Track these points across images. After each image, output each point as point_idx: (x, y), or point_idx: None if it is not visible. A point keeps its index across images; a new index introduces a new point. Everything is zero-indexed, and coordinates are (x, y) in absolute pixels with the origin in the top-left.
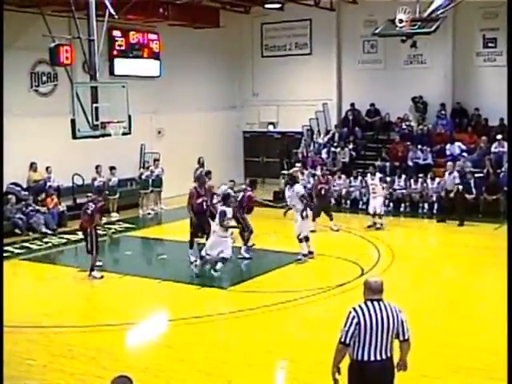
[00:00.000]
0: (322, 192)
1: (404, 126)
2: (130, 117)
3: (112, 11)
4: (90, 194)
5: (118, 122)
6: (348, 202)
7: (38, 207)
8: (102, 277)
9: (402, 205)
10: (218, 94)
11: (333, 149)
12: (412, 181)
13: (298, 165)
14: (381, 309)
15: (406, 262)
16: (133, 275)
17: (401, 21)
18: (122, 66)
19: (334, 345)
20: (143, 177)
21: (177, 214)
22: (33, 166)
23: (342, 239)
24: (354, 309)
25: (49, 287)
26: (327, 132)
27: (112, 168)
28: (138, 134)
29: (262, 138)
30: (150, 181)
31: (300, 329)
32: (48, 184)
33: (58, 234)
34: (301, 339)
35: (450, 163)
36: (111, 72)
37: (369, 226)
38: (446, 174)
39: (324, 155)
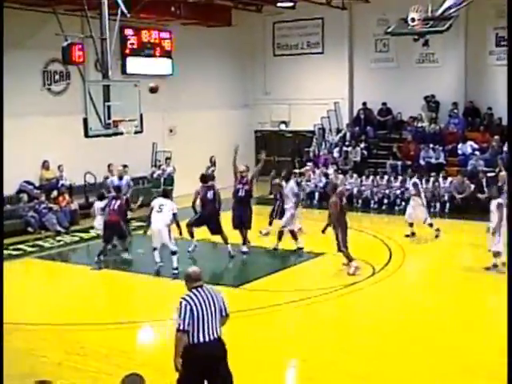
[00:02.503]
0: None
1: (419, 125)
2: (141, 115)
3: (124, 10)
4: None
5: (129, 121)
6: (359, 201)
7: (50, 205)
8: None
9: None
10: (230, 92)
11: (344, 148)
12: (424, 180)
13: (309, 164)
14: (205, 293)
15: (417, 261)
16: (145, 273)
17: (413, 19)
18: (134, 64)
19: (346, 344)
20: (155, 175)
21: (189, 212)
22: (45, 165)
23: (354, 238)
24: (184, 298)
25: (61, 285)
26: (339, 131)
27: (124, 166)
28: (149, 133)
29: (274, 136)
30: (162, 179)
31: (312, 328)
32: (60, 182)
33: (71, 232)
34: (312, 338)
35: None
36: (123, 71)
37: (406, 235)
38: None
39: (336, 154)
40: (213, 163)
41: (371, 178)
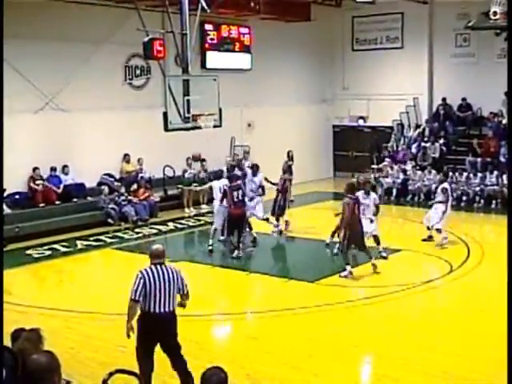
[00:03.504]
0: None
1: (504, 122)
2: (220, 109)
3: (205, 5)
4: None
5: (209, 115)
6: None
7: (129, 197)
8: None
9: (494, 201)
10: (308, 87)
11: (423, 144)
12: (504, 177)
13: (387, 159)
14: (163, 270)
15: (496, 261)
16: (222, 266)
17: (495, 13)
18: (214, 59)
19: (422, 341)
20: None
21: (266, 206)
22: (126, 158)
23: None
24: (141, 271)
25: None
26: (417, 127)
27: (202, 160)
28: (228, 127)
29: (352, 132)
30: (240, 173)
31: (387, 324)
32: (140, 175)
33: (149, 225)
34: (387, 335)
35: None
36: (203, 65)
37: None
38: None
39: (414, 150)
40: (290, 158)
41: (450, 174)
